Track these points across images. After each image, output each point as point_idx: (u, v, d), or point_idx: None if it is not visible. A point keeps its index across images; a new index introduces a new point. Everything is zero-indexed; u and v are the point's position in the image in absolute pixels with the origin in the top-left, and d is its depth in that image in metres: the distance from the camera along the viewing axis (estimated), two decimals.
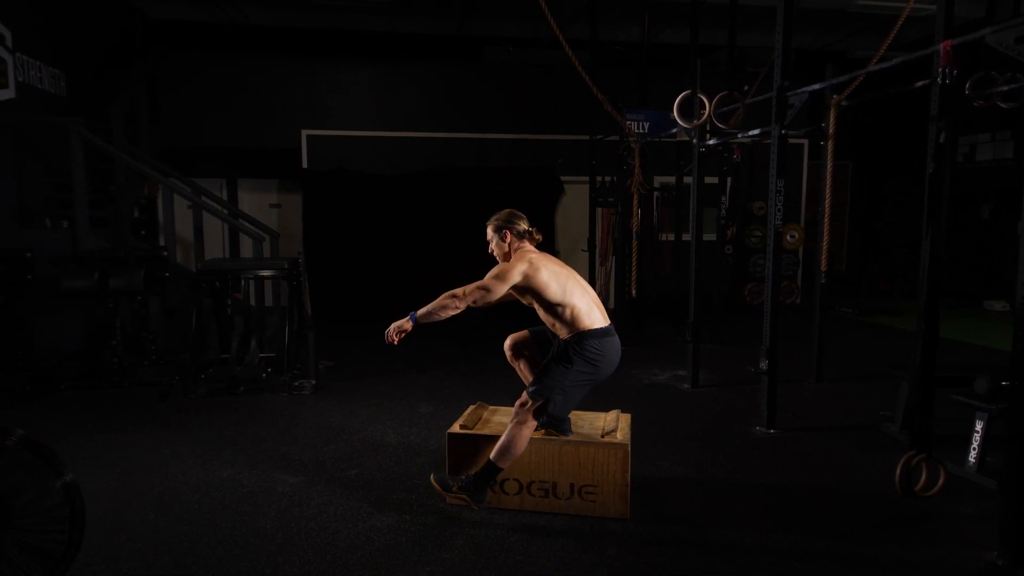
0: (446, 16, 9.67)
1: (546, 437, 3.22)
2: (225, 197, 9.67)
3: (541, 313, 3.18)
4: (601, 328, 3.11)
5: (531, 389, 3.07)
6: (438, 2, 9.03)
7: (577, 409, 3.51)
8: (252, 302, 6.42)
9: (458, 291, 3.05)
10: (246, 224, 7.15)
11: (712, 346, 6.83)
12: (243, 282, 6.20)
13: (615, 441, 3.16)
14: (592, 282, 8.46)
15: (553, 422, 3.23)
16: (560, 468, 3.16)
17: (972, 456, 3.57)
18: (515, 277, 3.05)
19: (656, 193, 8.98)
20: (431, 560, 2.75)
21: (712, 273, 7.29)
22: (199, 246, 6.83)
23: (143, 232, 8.34)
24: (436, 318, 3.07)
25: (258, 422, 4.52)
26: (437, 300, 3.07)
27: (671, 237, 8.71)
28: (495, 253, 3.30)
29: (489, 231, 3.28)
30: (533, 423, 3.08)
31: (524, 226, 3.25)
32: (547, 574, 2.67)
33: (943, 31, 3.38)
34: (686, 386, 5.46)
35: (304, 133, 9.22)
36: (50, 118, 6.95)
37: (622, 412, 3.57)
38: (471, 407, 3.62)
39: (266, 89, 9.31)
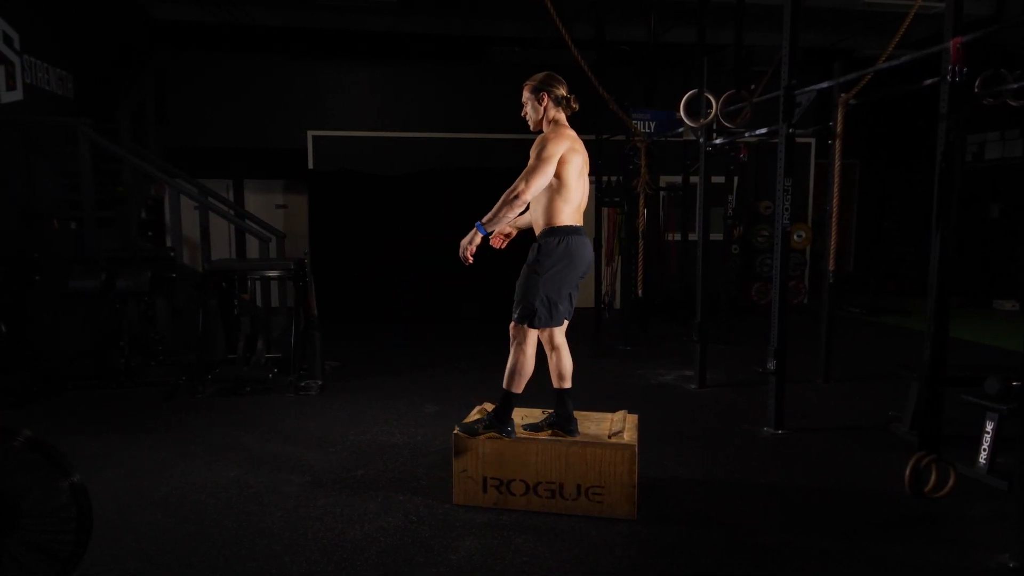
0: (450, 16, 9.67)
1: (553, 438, 3.21)
2: (231, 198, 9.71)
3: (540, 197, 3.11)
4: (572, 225, 3.08)
5: (515, 315, 3.09)
6: (442, 2, 9.03)
7: (584, 410, 3.51)
8: (258, 302, 6.44)
9: (516, 184, 2.96)
10: (252, 225, 7.16)
11: (719, 346, 6.80)
12: (249, 283, 6.23)
13: (622, 442, 3.14)
14: (598, 282, 8.45)
15: (560, 421, 3.22)
16: (567, 469, 3.15)
17: (982, 457, 3.54)
18: (560, 151, 2.97)
19: (662, 193, 8.96)
20: (438, 561, 2.74)
21: (719, 273, 7.26)
22: (205, 247, 6.84)
23: (150, 233, 8.37)
24: (503, 220, 3.01)
25: (264, 422, 4.53)
26: (498, 203, 2.99)
27: (677, 237, 8.69)
28: (527, 116, 3.22)
29: (525, 92, 3.19)
30: (532, 337, 3.11)
31: (563, 91, 3.17)
32: (554, 575, 2.66)
33: (952, 29, 3.35)
34: (693, 386, 5.43)
35: (310, 134, 9.24)
36: (58, 119, 6.98)
37: (629, 413, 3.55)
38: (477, 407, 3.61)
39: (271, 90, 9.34)
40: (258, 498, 3.32)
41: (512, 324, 3.14)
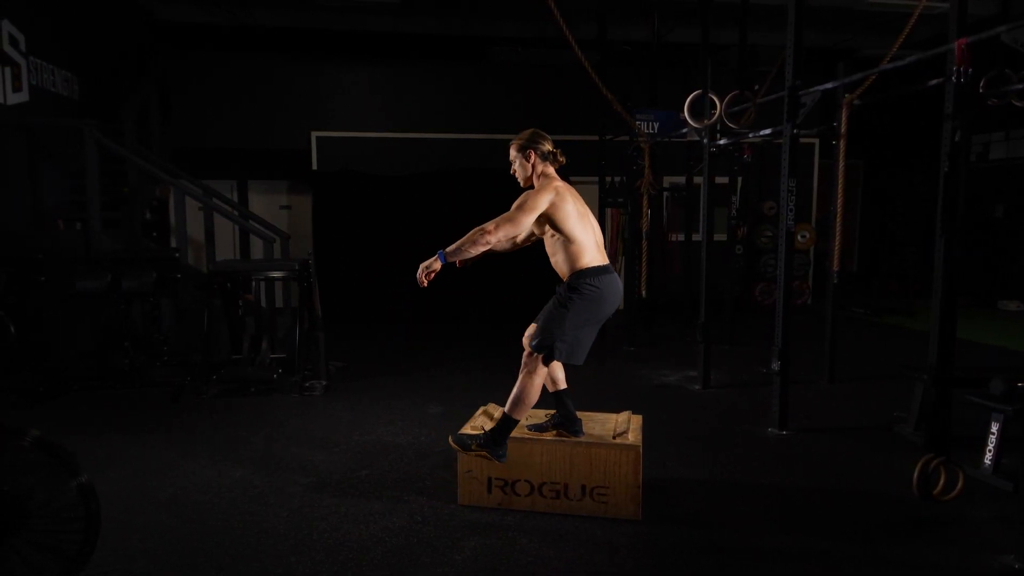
0: (452, 16, 9.68)
1: (558, 438, 3.21)
2: (235, 198, 9.73)
3: (549, 244, 3.14)
4: (599, 265, 3.07)
5: (534, 342, 3.05)
6: (443, 2, 9.04)
7: (588, 410, 3.51)
8: (263, 303, 6.45)
9: (487, 225, 2.96)
10: (256, 225, 7.18)
11: (723, 347, 6.79)
12: (254, 283, 6.23)
13: (627, 442, 3.15)
14: None
15: (564, 421, 3.23)
16: (572, 469, 3.15)
17: (988, 458, 3.53)
18: (542, 205, 2.98)
19: (666, 193, 8.95)
20: (443, 561, 2.75)
21: (723, 273, 7.26)
22: (210, 247, 6.86)
23: (155, 234, 8.40)
24: (466, 254, 3.00)
25: (269, 423, 4.54)
26: (466, 235, 2.98)
27: (681, 237, 8.68)
28: (517, 175, 3.24)
29: (512, 151, 3.22)
30: (543, 371, 3.06)
31: (549, 147, 3.19)
32: (559, 575, 2.67)
33: (957, 29, 3.35)
34: (697, 387, 5.43)
35: (313, 135, 9.26)
36: (64, 121, 7.01)
37: (633, 413, 3.55)
38: (481, 408, 3.62)
39: (275, 90, 9.36)
40: (263, 498, 3.34)
41: (527, 352, 3.08)
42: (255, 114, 9.31)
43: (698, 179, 7.52)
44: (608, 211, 8.67)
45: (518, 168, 3.23)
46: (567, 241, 3.05)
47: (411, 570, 2.68)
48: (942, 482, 3.16)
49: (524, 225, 3.00)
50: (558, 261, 3.13)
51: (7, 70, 6.27)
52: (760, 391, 5.17)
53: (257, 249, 8.71)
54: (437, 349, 7.03)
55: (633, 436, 3.23)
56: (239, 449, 4.03)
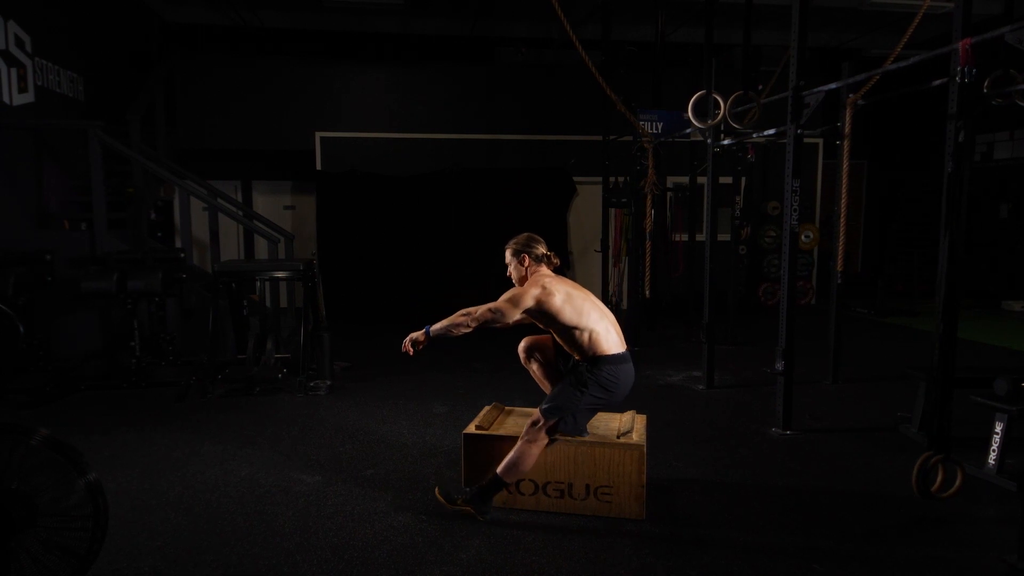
0: (459, 17, 9.69)
1: (562, 438, 3.22)
2: (240, 199, 9.77)
3: (557, 337, 3.21)
4: (617, 354, 3.12)
5: (544, 407, 3.09)
6: (451, 3, 9.06)
7: None
8: (267, 303, 6.48)
9: (472, 310, 3.06)
10: (261, 226, 7.21)
11: (727, 347, 6.80)
12: (258, 283, 6.26)
13: (631, 442, 3.16)
14: (605, 283, 8.46)
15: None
16: (576, 469, 3.17)
17: (992, 458, 3.53)
18: (528, 302, 3.06)
19: (669, 193, 8.95)
20: (448, 560, 2.76)
21: (726, 273, 7.26)
22: (215, 248, 6.89)
23: (160, 234, 8.44)
24: (450, 335, 3.10)
25: (275, 422, 4.56)
26: (452, 317, 3.09)
27: (685, 237, 8.69)
28: (512, 276, 3.32)
29: (507, 255, 3.31)
30: (544, 441, 3.10)
31: (542, 250, 3.27)
32: (563, 574, 2.67)
33: (961, 29, 3.35)
34: (701, 387, 5.44)
35: (318, 135, 9.28)
36: (69, 122, 7.05)
37: (637, 413, 3.56)
38: (486, 407, 3.63)
39: (280, 91, 9.38)
40: (270, 497, 3.35)
41: (530, 421, 3.11)
42: (260, 115, 9.34)
43: (702, 179, 7.52)
44: (612, 211, 8.68)
45: (513, 270, 3.30)
46: (573, 331, 3.09)
47: (417, 569, 2.70)
48: (940, 479, 3.16)
49: (509, 317, 3.07)
50: (575, 352, 3.17)
51: (13, 71, 6.30)
52: (764, 391, 5.17)
53: (262, 249, 8.76)
54: (441, 349, 7.00)
55: (637, 436, 3.24)
56: (245, 448, 4.05)
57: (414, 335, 3.14)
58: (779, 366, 4.33)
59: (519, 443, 3.10)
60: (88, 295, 5.45)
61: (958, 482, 3.15)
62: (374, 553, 2.81)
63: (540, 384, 3.45)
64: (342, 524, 3.07)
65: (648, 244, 6.99)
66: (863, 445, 4.13)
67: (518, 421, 3.43)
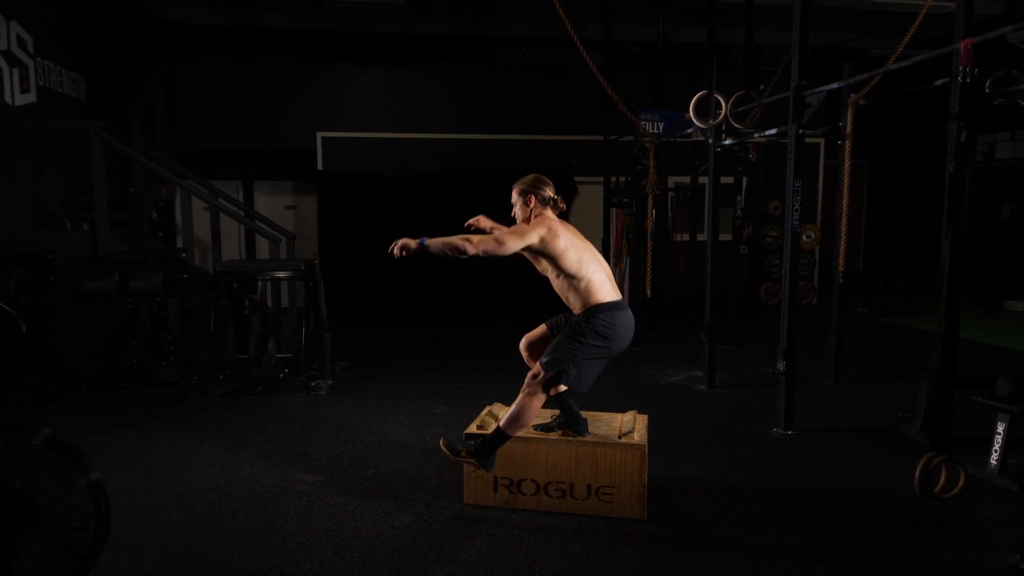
0: (459, 17, 9.70)
1: (563, 438, 3.22)
2: (241, 199, 9.77)
3: (555, 282, 3.17)
4: (613, 301, 3.10)
5: (543, 360, 3.07)
6: (451, 3, 9.06)
7: (593, 410, 3.52)
8: (269, 303, 6.48)
9: (474, 237, 2.98)
10: (262, 226, 7.22)
11: (728, 347, 6.80)
12: (260, 283, 6.26)
13: (632, 442, 3.16)
14: None
15: (570, 422, 3.24)
16: (577, 469, 3.17)
17: (993, 458, 3.53)
18: (532, 238, 3.01)
19: (671, 193, 8.95)
20: (449, 560, 2.76)
21: (728, 273, 7.26)
22: (216, 248, 6.90)
23: (161, 234, 8.44)
24: (444, 253, 2.96)
25: (276, 422, 4.56)
26: (452, 237, 2.97)
27: (686, 237, 8.68)
28: (516, 217, 3.28)
29: (514, 194, 3.27)
30: (543, 396, 3.09)
31: (549, 192, 3.23)
32: (565, 574, 2.67)
33: (963, 29, 3.35)
34: (702, 387, 5.44)
35: (319, 135, 9.29)
36: (71, 122, 7.06)
37: (639, 413, 3.56)
38: (487, 408, 3.63)
39: (281, 91, 9.39)
40: (271, 497, 3.36)
41: (531, 374, 3.10)
42: (261, 115, 9.35)
43: (703, 179, 7.51)
44: (613, 211, 8.68)
45: (518, 210, 3.28)
46: (572, 278, 3.08)
47: (418, 568, 2.70)
48: (943, 480, 3.16)
49: (508, 248, 2.99)
50: (570, 299, 3.16)
51: (15, 71, 6.31)
52: (765, 391, 5.17)
53: (263, 249, 8.75)
54: (442, 349, 7.04)
55: (638, 436, 3.24)
56: (246, 448, 4.05)
57: (406, 240, 2.98)
58: (780, 366, 4.33)
59: (520, 396, 3.10)
60: (89, 295, 5.45)
61: (961, 483, 3.15)
62: (375, 553, 2.82)
63: None
64: (343, 524, 3.07)
65: (649, 244, 6.99)
66: (864, 445, 4.12)
67: None
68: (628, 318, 3.14)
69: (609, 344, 3.09)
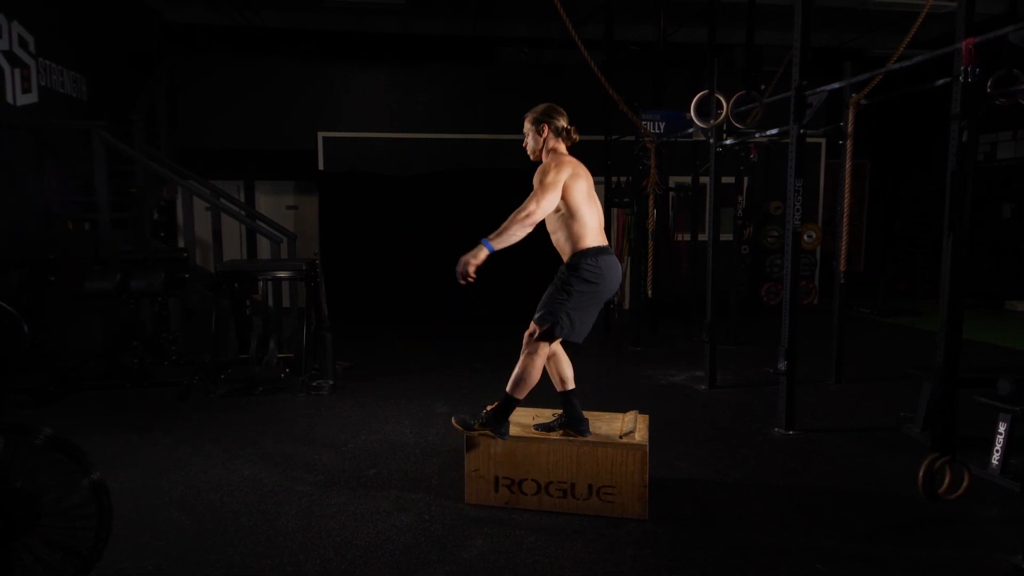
0: (460, 17, 9.70)
1: (565, 438, 3.22)
2: (242, 199, 9.79)
3: (551, 221, 3.14)
4: (598, 246, 3.11)
5: (536, 316, 3.09)
6: (451, 3, 9.06)
7: (594, 410, 3.52)
8: (270, 303, 6.48)
9: (523, 211, 2.95)
10: (263, 226, 7.22)
11: (729, 347, 6.79)
12: (261, 283, 6.26)
13: (633, 442, 3.16)
14: None
15: (571, 421, 3.24)
16: (578, 469, 3.17)
17: (995, 458, 3.53)
18: (563, 179, 3.01)
19: (672, 193, 8.95)
20: (451, 559, 2.76)
21: (729, 273, 7.26)
22: (217, 247, 6.90)
23: (162, 234, 8.45)
24: (513, 239, 2.98)
25: (277, 422, 4.57)
26: (506, 224, 2.96)
27: (687, 237, 8.68)
28: (527, 147, 3.26)
29: (526, 124, 3.24)
30: (544, 350, 3.11)
31: (563, 123, 3.20)
32: (566, 574, 2.67)
33: (964, 29, 3.35)
34: (703, 387, 5.44)
35: (320, 135, 9.29)
36: (73, 122, 7.06)
37: (640, 413, 3.56)
38: (488, 407, 3.62)
39: (282, 91, 9.40)
40: (273, 496, 3.36)
41: (527, 333, 3.14)
42: (262, 115, 9.35)
43: (704, 179, 7.51)
44: (614, 211, 8.68)
45: (530, 140, 3.24)
46: (571, 218, 3.08)
47: (420, 568, 2.70)
48: (947, 481, 3.16)
49: (557, 195, 3.01)
50: (559, 239, 3.16)
51: (17, 71, 6.32)
52: (767, 391, 5.17)
53: (264, 249, 8.77)
54: (443, 349, 7.04)
55: (640, 436, 3.24)
56: (248, 448, 4.06)
57: (470, 255, 2.92)
58: (782, 366, 4.33)
59: (521, 357, 3.12)
60: (91, 295, 5.46)
61: (965, 484, 3.14)
62: (377, 552, 2.82)
63: (548, 371, 3.42)
64: (345, 523, 3.07)
65: (650, 244, 6.99)
66: (866, 445, 4.12)
67: (519, 421, 3.43)
68: (614, 262, 3.16)
69: (597, 288, 3.10)
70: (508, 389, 3.14)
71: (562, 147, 3.21)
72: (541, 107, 3.24)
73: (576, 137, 3.24)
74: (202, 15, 9.50)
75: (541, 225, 3.17)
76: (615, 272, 3.16)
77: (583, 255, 3.08)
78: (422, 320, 8.56)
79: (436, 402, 5.03)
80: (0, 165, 6.05)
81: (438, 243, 8.98)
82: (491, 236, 2.97)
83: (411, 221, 8.86)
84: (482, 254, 2.94)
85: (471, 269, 2.95)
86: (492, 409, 3.18)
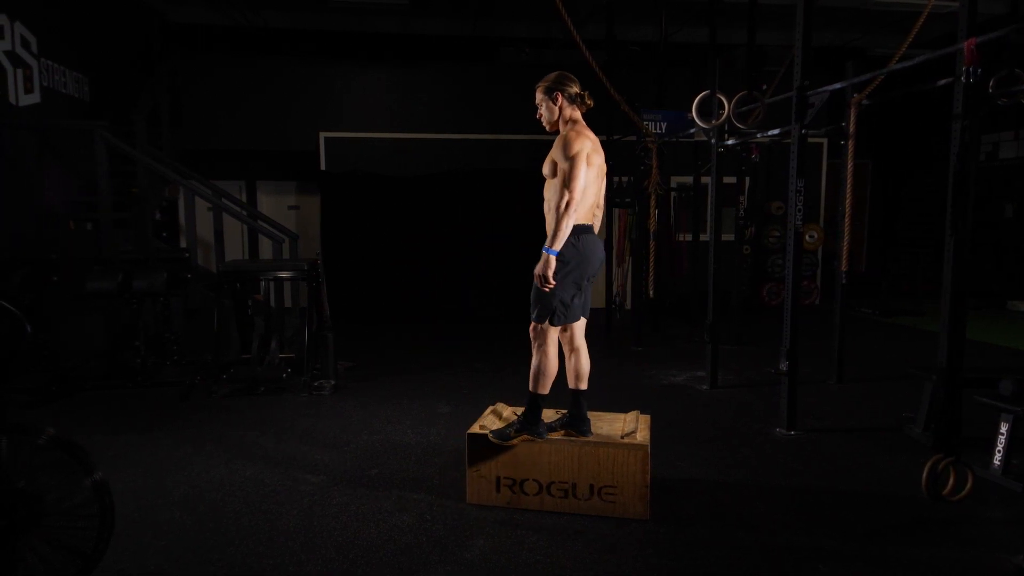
0: (461, 17, 9.70)
1: (566, 438, 3.22)
2: (244, 199, 9.79)
3: (552, 191, 3.09)
4: (581, 224, 3.07)
5: (533, 316, 3.12)
6: (453, 3, 9.06)
7: (596, 410, 3.52)
8: (272, 303, 6.49)
9: (564, 197, 2.92)
10: (265, 226, 7.22)
11: (730, 347, 6.79)
12: (263, 283, 6.27)
13: (635, 442, 3.16)
14: (609, 283, 8.45)
15: (574, 421, 3.24)
16: (580, 469, 3.17)
17: (997, 459, 3.52)
18: (585, 149, 2.97)
19: (673, 193, 8.94)
20: (452, 559, 2.76)
21: (730, 274, 7.25)
22: (219, 248, 6.90)
23: (164, 234, 8.46)
24: (567, 232, 2.97)
25: (279, 422, 4.57)
26: (556, 225, 2.94)
27: (688, 237, 8.68)
28: (542, 118, 3.21)
29: (538, 94, 3.18)
30: (553, 339, 3.13)
31: (576, 89, 3.15)
32: (567, 574, 2.67)
33: (967, 28, 3.34)
34: (705, 387, 5.43)
35: (322, 135, 9.30)
36: (75, 122, 7.07)
37: (641, 413, 3.56)
38: (490, 407, 3.63)
39: (284, 92, 9.40)
40: (275, 496, 3.36)
41: (532, 326, 3.16)
42: (264, 115, 9.36)
43: (706, 179, 7.50)
44: (615, 211, 8.67)
45: (544, 112, 3.19)
46: (571, 195, 3.00)
47: (421, 568, 2.70)
48: (951, 482, 3.16)
49: (583, 170, 2.97)
50: (549, 215, 3.10)
51: (19, 72, 6.33)
52: (768, 391, 5.17)
53: (266, 249, 8.78)
54: (445, 349, 7.04)
55: (641, 436, 3.24)
56: (250, 448, 4.06)
57: (543, 266, 2.95)
58: (783, 366, 4.32)
59: (534, 354, 3.15)
60: (93, 295, 5.47)
61: (969, 485, 3.14)
62: (379, 552, 2.82)
63: (566, 366, 3.39)
64: (347, 523, 3.08)
65: (652, 244, 6.99)
66: (867, 445, 4.12)
67: None
68: (594, 240, 3.15)
69: (579, 269, 3.08)
70: (530, 387, 3.16)
71: (578, 115, 3.16)
72: (552, 75, 3.18)
73: (590, 103, 3.18)
74: (203, 15, 9.51)
75: (542, 219, 3.16)
76: (596, 250, 3.15)
77: None
78: (423, 320, 8.57)
79: (438, 402, 5.04)
80: (2, 165, 6.06)
81: (439, 243, 9.00)
82: (549, 243, 2.97)
83: (412, 221, 8.87)
84: (552, 261, 2.98)
85: (550, 275, 2.98)
86: (522, 414, 3.18)
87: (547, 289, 3.02)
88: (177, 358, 5.80)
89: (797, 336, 4.31)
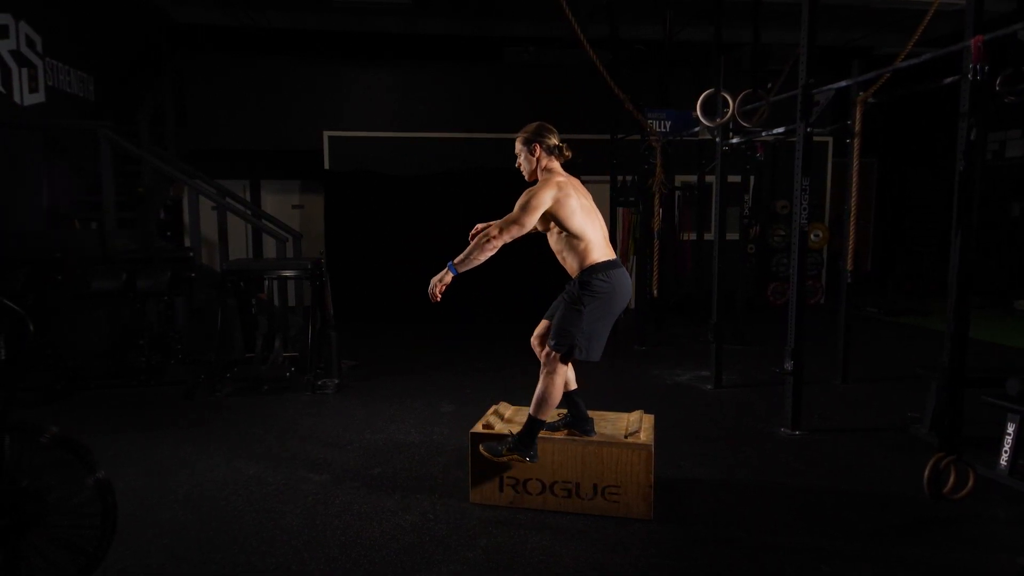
0: (465, 17, 9.69)
1: (569, 438, 3.22)
2: (248, 198, 9.80)
3: (554, 240, 3.14)
4: (607, 260, 3.08)
5: (552, 342, 3.07)
6: (455, 2, 9.05)
7: (599, 409, 3.52)
8: (275, 302, 6.49)
9: (491, 230, 2.96)
10: (269, 225, 7.22)
11: (735, 346, 6.77)
12: (267, 282, 6.27)
13: (638, 442, 3.15)
14: None
15: (576, 421, 3.23)
16: (583, 469, 3.16)
17: (1003, 459, 3.50)
18: (546, 203, 2.98)
19: (677, 192, 8.92)
20: (455, 559, 2.76)
21: (735, 273, 7.23)
22: (223, 247, 6.92)
23: (168, 233, 8.48)
24: (475, 262, 3.00)
25: (282, 421, 4.57)
26: (471, 246, 2.99)
27: (693, 237, 8.66)
28: (522, 169, 3.24)
29: (518, 144, 3.22)
30: (563, 370, 3.08)
31: (554, 141, 3.17)
32: (570, 574, 2.67)
33: (973, 26, 3.32)
34: (709, 387, 5.42)
35: (325, 135, 9.30)
36: (79, 122, 7.09)
37: (645, 413, 3.55)
38: (493, 406, 3.63)
39: (288, 91, 9.41)
40: (278, 495, 3.36)
41: (546, 351, 3.10)
42: (268, 114, 9.37)
43: (710, 178, 7.49)
44: (620, 210, 8.65)
45: (523, 162, 3.23)
46: (573, 238, 3.06)
47: (423, 567, 2.70)
48: (952, 480, 3.14)
49: (529, 225, 3.02)
50: (566, 259, 3.14)
51: (24, 71, 6.34)
52: (773, 391, 5.14)
53: (270, 248, 8.78)
54: (448, 348, 7.04)
55: (645, 435, 3.23)
56: (253, 446, 4.06)
57: (438, 277, 3.01)
58: (788, 366, 4.31)
59: (541, 378, 3.08)
60: (97, 294, 5.48)
61: (970, 484, 3.12)
62: (381, 551, 2.81)
63: None
64: (349, 523, 3.07)
65: (656, 243, 6.97)
66: (872, 445, 4.10)
67: (525, 420, 3.42)
68: (624, 275, 3.13)
69: (609, 304, 3.07)
70: (531, 411, 3.10)
71: (556, 165, 3.19)
72: (532, 126, 3.22)
73: (568, 154, 3.22)
74: (207, 15, 9.52)
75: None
76: (626, 285, 3.13)
77: (592, 270, 3.05)
78: (427, 320, 8.53)
79: (441, 401, 5.03)
80: (7, 164, 6.07)
81: (443, 243, 8.93)
82: (456, 260, 3.00)
83: (416, 221, 8.86)
84: (448, 277, 3.02)
85: (438, 290, 3.02)
86: (518, 433, 3.14)
87: (435, 299, 3.01)
88: (181, 357, 5.81)
89: (802, 336, 4.29)
